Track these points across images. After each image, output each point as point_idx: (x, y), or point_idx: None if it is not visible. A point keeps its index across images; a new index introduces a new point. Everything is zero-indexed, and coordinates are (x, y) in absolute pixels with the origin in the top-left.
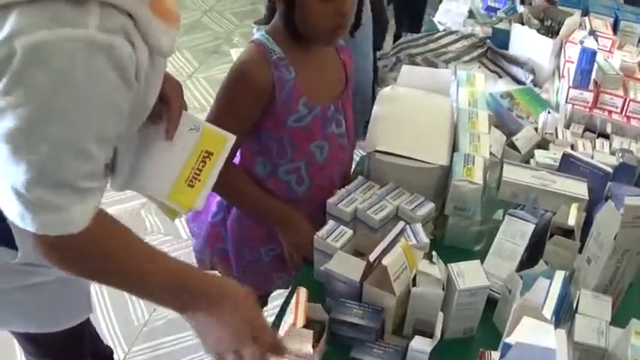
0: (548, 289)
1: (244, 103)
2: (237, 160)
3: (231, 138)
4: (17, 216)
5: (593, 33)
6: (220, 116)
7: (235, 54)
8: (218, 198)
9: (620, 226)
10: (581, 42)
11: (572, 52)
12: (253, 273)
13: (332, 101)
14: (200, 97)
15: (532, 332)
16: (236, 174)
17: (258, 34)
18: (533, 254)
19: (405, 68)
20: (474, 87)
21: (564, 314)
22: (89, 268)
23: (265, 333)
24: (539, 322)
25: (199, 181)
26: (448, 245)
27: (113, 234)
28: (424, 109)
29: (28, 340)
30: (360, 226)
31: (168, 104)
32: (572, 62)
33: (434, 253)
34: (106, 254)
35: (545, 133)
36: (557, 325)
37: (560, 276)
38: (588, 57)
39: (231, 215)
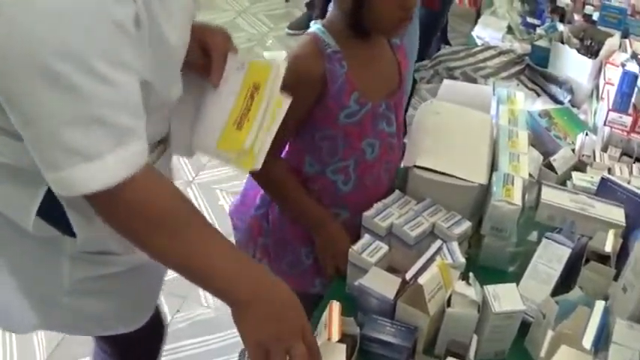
0: (588, 319)
1: (296, 93)
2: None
3: (276, 65)
4: (53, 181)
5: (635, 56)
6: None
7: (269, 57)
8: (262, 191)
9: None
10: (623, 65)
11: (613, 74)
12: (293, 273)
13: (384, 99)
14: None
15: None
16: (281, 170)
17: (314, 26)
18: (567, 279)
19: (447, 82)
20: (514, 105)
21: (602, 344)
22: (142, 229)
23: (310, 334)
24: (578, 352)
25: (248, 120)
26: (482, 265)
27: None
28: (464, 126)
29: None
30: (395, 241)
31: (210, 52)
32: (612, 84)
33: (470, 274)
34: (156, 217)
35: (583, 155)
36: (595, 355)
37: (600, 306)
38: (630, 80)
39: (274, 211)
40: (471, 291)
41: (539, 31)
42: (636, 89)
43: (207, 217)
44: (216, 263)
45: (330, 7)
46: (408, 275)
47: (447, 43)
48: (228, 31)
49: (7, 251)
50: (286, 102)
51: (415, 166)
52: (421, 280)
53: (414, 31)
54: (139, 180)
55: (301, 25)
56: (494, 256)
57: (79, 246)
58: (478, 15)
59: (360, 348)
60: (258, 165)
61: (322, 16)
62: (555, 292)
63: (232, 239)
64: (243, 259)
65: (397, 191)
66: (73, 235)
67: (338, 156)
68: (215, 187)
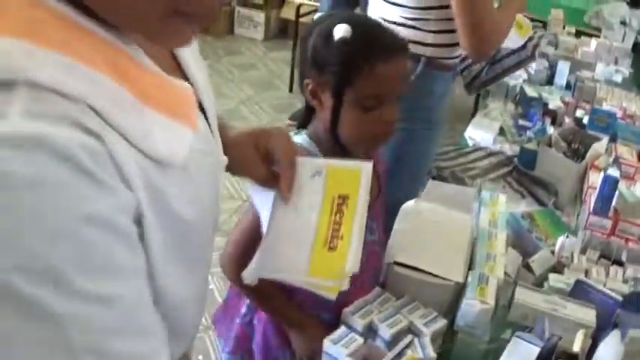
0: None
1: None
2: None
3: (366, 166)
4: None
5: (617, 160)
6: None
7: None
8: (247, 300)
9: (624, 356)
10: (605, 169)
11: (596, 178)
12: None
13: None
14: (230, 187)
15: None
16: (267, 281)
17: (299, 137)
18: None
19: (431, 184)
20: (496, 207)
21: None
22: None
23: None
24: None
25: (341, 238)
26: None
27: None
28: (445, 226)
29: None
30: (374, 337)
31: (276, 158)
32: (595, 188)
33: None
34: None
35: (562, 257)
36: None
37: None
38: (610, 185)
39: (259, 318)
40: None
41: (529, 133)
42: (617, 193)
43: None
44: None
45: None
46: None
47: None
48: (285, 131)
49: None
50: (366, 169)
51: (395, 263)
52: None
53: None
54: None
55: (304, 123)
56: (466, 353)
57: None
58: (473, 116)
59: None
60: (355, 268)
61: (304, 123)
62: None
63: None
64: None
65: (378, 288)
66: None
67: None
68: None
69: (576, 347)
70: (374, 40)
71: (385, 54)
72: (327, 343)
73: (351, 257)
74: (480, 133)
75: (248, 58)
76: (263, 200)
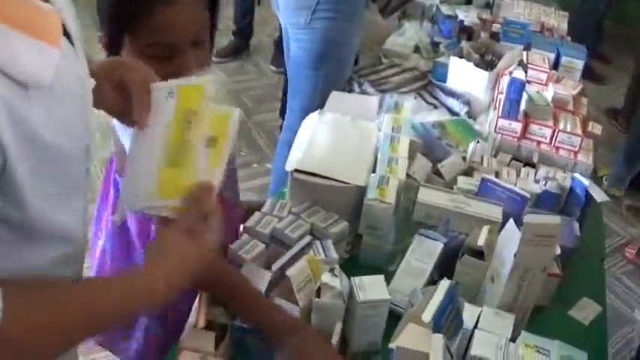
0: (431, 296)
1: None
2: None
3: (235, 112)
4: None
5: (521, 63)
6: None
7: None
8: None
9: (520, 244)
10: (510, 73)
11: (506, 84)
12: None
13: None
14: None
15: (413, 337)
16: None
17: None
18: (444, 275)
19: (334, 94)
20: (399, 114)
21: (449, 323)
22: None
23: None
24: (420, 328)
25: (190, 156)
26: (362, 264)
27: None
28: (349, 135)
29: None
30: (279, 245)
31: (129, 89)
32: (503, 93)
33: (336, 266)
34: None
35: (473, 162)
36: (437, 331)
37: (444, 286)
38: (517, 87)
39: None
40: (336, 282)
41: (441, 48)
42: (526, 96)
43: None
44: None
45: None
46: (274, 267)
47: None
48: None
49: None
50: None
51: (295, 170)
52: (289, 272)
53: None
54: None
55: None
56: (373, 256)
57: None
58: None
59: (234, 338)
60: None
61: None
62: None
63: None
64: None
65: (271, 198)
66: None
67: None
68: None
69: (480, 242)
70: None
71: None
72: (229, 252)
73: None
74: (394, 52)
75: None
76: (126, 134)
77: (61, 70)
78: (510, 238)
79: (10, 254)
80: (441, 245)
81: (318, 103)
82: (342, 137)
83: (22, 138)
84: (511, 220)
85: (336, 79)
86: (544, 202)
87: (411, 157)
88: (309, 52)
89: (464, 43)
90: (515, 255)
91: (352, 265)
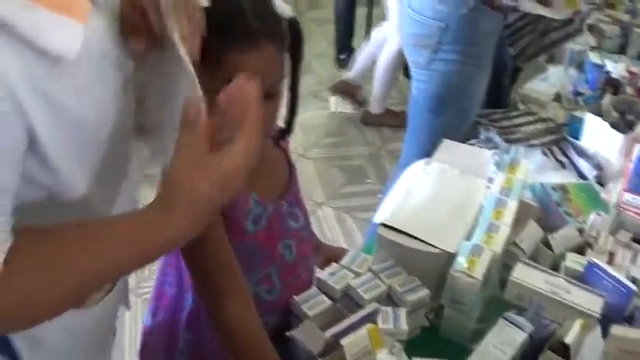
0: None
1: None
2: None
3: None
4: None
5: None
6: None
7: (334, 103)
8: None
9: (603, 356)
10: None
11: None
12: None
13: (282, 196)
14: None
15: None
16: None
17: None
18: None
19: (446, 143)
20: (514, 174)
21: None
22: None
23: None
24: None
25: None
26: (443, 337)
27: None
28: (453, 190)
29: None
30: (348, 301)
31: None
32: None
33: (397, 343)
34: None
35: (590, 237)
36: None
37: None
38: None
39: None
40: None
41: (580, 101)
42: None
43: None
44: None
45: None
46: (329, 333)
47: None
48: None
49: None
50: None
51: (382, 224)
52: (344, 341)
53: None
54: None
55: None
56: (455, 330)
57: None
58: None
59: None
60: None
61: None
62: None
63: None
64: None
65: (354, 251)
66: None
67: (257, 266)
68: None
69: (569, 338)
70: (229, 19)
71: (240, 41)
72: (293, 304)
73: None
74: (533, 99)
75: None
76: None
77: (89, 46)
78: (594, 346)
79: (32, 211)
80: (525, 335)
81: (432, 149)
82: (445, 192)
83: (49, 111)
84: (598, 328)
85: (454, 129)
86: None
87: (522, 221)
88: (426, 96)
89: (606, 98)
90: None
91: (432, 335)
